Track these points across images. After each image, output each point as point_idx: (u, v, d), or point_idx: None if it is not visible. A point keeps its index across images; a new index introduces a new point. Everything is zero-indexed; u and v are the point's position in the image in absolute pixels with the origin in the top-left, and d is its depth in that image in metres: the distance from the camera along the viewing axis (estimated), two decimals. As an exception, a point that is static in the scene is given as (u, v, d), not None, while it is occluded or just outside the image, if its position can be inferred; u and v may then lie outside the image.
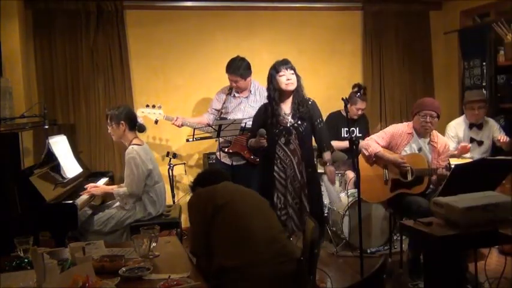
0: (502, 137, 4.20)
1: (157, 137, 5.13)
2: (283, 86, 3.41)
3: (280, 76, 3.41)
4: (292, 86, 3.42)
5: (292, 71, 3.43)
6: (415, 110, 3.69)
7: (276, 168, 3.43)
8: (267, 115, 3.48)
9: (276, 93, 3.45)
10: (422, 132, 3.67)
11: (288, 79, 3.40)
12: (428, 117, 3.59)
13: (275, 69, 3.44)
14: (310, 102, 3.53)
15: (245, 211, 2.32)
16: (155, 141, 5.13)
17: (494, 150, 4.38)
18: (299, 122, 3.46)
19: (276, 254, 2.19)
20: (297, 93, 3.46)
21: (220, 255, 2.21)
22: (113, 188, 3.67)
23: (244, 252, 2.17)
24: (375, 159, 3.72)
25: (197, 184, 2.63)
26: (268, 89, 3.52)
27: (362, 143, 3.77)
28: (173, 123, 4.36)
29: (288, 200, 3.41)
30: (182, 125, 4.35)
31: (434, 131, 3.72)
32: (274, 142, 3.43)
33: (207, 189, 2.46)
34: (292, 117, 3.46)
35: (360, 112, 4.80)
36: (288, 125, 3.44)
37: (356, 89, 4.77)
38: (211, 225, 2.26)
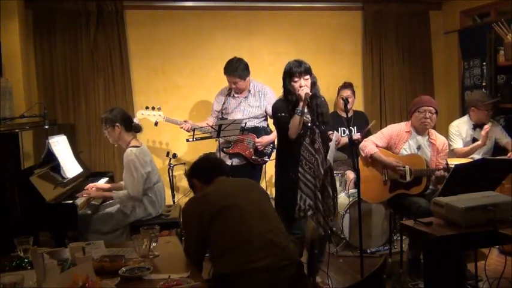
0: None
1: (157, 138, 5.12)
2: (297, 92, 3.26)
3: (294, 82, 3.27)
4: (306, 90, 3.25)
5: (308, 76, 3.29)
6: (414, 107, 3.70)
7: (300, 169, 3.31)
8: (290, 113, 3.32)
9: (292, 96, 3.30)
10: (421, 129, 3.67)
11: (301, 86, 3.25)
12: (427, 113, 3.61)
13: (289, 74, 3.29)
14: (321, 100, 3.43)
15: (243, 215, 2.27)
16: (155, 144, 5.12)
17: (495, 151, 4.37)
18: (320, 121, 3.38)
19: (275, 259, 2.16)
20: (313, 93, 3.33)
21: (219, 259, 2.20)
22: (112, 192, 3.63)
23: (244, 257, 2.15)
24: (371, 161, 3.72)
25: (193, 175, 2.59)
26: (284, 89, 3.36)
27: (360, 144, 3.77)
28: (181, 127, 4.32)
29: (319, 200, 3.31)
30: (190, 130, 4.26)
31: (431, 129, 3.73)
32: (299, 143, 3.32)
33: (200, 196, 2.43)
34: (311, 116, 3.36)
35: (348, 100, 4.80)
36: (309, 124, 3.34)
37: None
38: (209, 232, 2.24)
